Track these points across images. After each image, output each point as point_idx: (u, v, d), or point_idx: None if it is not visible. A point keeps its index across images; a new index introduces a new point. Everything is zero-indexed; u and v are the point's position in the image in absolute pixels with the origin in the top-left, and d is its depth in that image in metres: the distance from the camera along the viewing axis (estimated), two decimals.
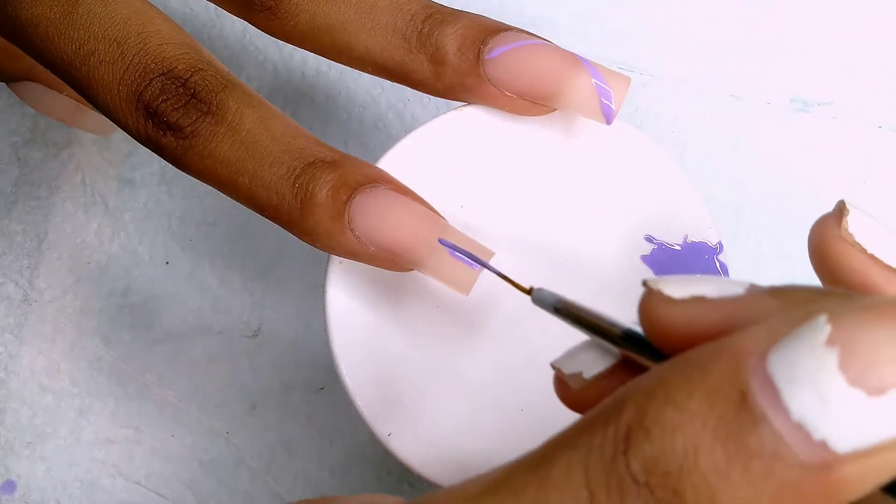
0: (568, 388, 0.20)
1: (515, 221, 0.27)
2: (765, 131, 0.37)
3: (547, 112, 0.27)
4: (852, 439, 0.14)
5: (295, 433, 0.36)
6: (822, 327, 0.14)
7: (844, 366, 0.14)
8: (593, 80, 0.26)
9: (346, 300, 0.27)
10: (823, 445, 0.14)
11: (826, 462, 0.14)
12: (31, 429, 0.36)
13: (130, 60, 0.25)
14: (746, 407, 0.14)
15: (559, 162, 0.28)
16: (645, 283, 0.18)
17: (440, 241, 0.25)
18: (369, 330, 0.27)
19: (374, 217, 0.25)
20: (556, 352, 0.27)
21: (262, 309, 0.37)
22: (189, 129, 0.25)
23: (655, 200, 0.27)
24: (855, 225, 0.21)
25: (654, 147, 0.28)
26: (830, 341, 0.14)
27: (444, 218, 0.25)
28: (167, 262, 0.37)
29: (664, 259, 0.27)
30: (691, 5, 0.38)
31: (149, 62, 0.25)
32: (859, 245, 0.21)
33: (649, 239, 0.27)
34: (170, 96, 0.25)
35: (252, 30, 0.38)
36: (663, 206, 0.27)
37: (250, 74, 0.38)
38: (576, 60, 0.26)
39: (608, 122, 0.26)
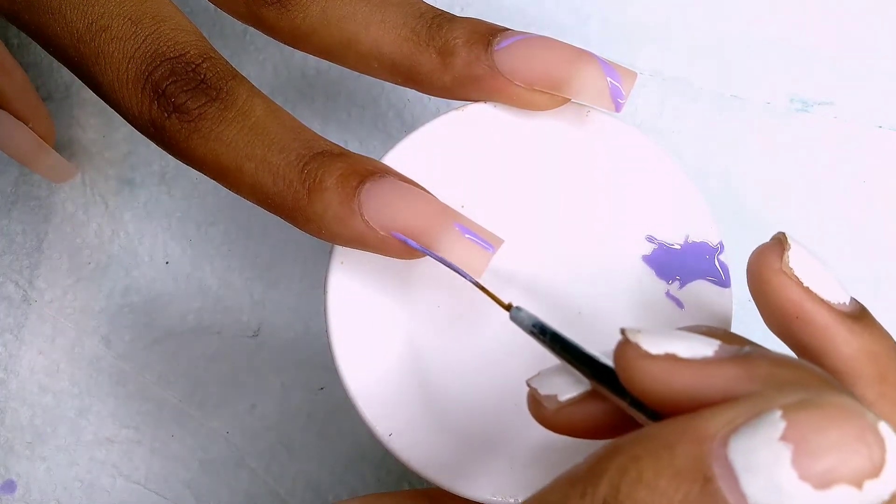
0: (541, 408, 0.21)
1: (516, 221, 0.27)
2: (765, 131, 0.37)
3: (554, 105, 0.27)
4: None
5: (295, 433, 0.36)
6: (777, 423, 0.16)
7: (797, 462, 0.16)
8: (601, 66, 0.26)
9: (347, 300, 0.27)
10: None
11: None
12: (31, 429, 0.36)
13: (144, 40, 0.25)
14: (710, 489, 0.16)
15: (560, 162, 0.28)
16: (623, 332, 0.19)
17: (455, 224, 0.25)
18: (370, 330, 0.27)
19: (386, 201, 0.25)
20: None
21: (261, 309, 0.37)
22: (196, 111, 0.25)
23: (656, 200, 0.27)
24: (795, 259, 0.23)
25: (654, 146, 0.28)
26: (784, 437, 0.16)
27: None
28: (167, 263, 0.37)
29: (665, 259, 0.27)
30: (692, 5, 0.38)
31: (161, 44, 0.25)
32: (797, 278, 0.22)
33: (650, 239, 0.27)
34: (179, 79, 0.25)
35: (252, 29, 0.38)
36: (664, 206, 0.27)
37: (250, 74, 0.37)
38: (584, 51, 0.27)
39: (617, 109, 0.26)
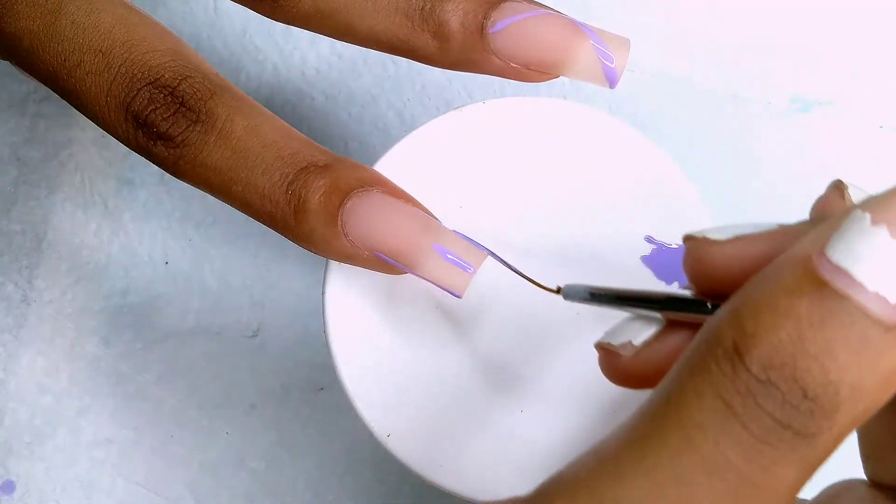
0: (616, 362, 0.21)
1: (515, 222, 0.27)
2: (765, 131, 0.37)
3: (553, 78, 0.27)
4: None
5: (294, 434, 0.36)
6: (863, 216, 0.16)
7: (895, 234, 0.16)
8: (594, 45, 0.26)
9: (346, 301, 0.27)
10: None
11: None
12: (30, 429, 0.36)
13: (117, 71, 0.25)
14: (828, 293, 0.16)
15: (559, 162, 0.28)
16: (686, 236, 0.20)
17: (434, 246, 0.25)
18: (368, 331, 0.27)
19: (368, 222, 0.25)
20: (556, 352, 0.27)
21: (261, 309, 0.37)
22: (179, 138, 0.25)
23: (655, 201, 0.28)
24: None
25: (654, 147, 0.28)
26: (874, 222, 0.16)
27: (437, 220, 0.25)
28: (166, 263, 0.37)
29: (664, 259, 0.27)
30: (692, 4, 0.38)
31: (135, 72, 0.25)
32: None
33: (649, 240, 0.27)
34: (158, 106, 0.25)
35: (252, 29, 0.38)
36: (663, 207, 0.28)
37: (250, 73, 0.38)
38: (577, 29, 0.26)
39: (612, 85, 0.26)
